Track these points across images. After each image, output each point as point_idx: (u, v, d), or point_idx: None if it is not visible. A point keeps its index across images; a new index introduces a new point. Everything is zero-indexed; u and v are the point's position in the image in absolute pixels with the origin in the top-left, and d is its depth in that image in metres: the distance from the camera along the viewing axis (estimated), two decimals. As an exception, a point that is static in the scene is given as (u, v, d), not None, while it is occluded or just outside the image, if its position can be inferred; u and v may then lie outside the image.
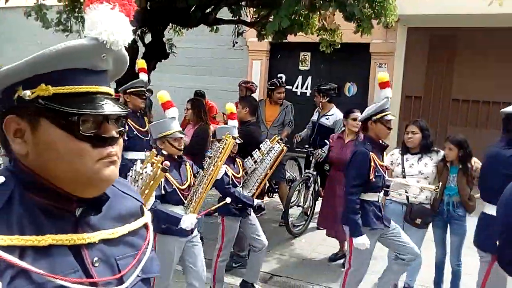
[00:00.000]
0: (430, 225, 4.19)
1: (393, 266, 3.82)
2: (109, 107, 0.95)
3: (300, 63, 11.01)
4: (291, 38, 7.09)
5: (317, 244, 5.62)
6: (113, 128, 0.96)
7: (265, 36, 6.96)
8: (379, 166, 3.63)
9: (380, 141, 3.73)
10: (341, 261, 5.09)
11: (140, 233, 1.11)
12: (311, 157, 5.96)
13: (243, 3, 6.87)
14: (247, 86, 6.72)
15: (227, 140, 3.74)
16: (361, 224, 3.51)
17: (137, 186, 2.76)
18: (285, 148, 4.70)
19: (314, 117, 6.26)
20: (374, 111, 3.63)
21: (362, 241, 3.50)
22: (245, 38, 9.64)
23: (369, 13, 6.01)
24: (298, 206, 6.22)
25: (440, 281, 4.31)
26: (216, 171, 3.55)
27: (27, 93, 0.91)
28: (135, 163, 2.97)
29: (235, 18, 7.23)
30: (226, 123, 6.97)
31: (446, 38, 9.48)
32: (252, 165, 4.47)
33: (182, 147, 3.47)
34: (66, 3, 7.30)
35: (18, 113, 0.93)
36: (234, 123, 4.18)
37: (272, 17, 5.82)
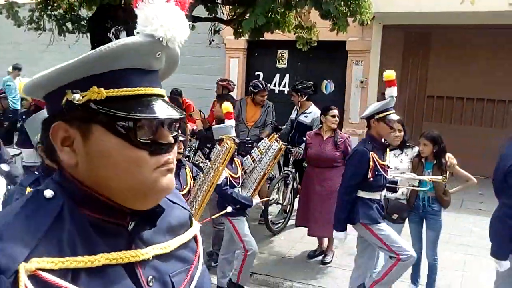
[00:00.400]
0: (407, 220, 4.24)
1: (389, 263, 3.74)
2: (166, 111, 0.87)
3: (277, 61, 11.02)
4: (268, 36, 7.09)
5: (296, 241, 5.64)
6: (169, 134, 0.88)
7: (241, 34, 6.93)
8: (379, 166, 3.60)
9: (383, 140, 3.72)
10: (320, 258, 5.12)
11: (190, 246, 1.03)
12: (289, 154, 5.97)
13: (219, 0, 6.83)
14: (224, 85, 6.70)
15: (227, 143, 3.66)
16: (344, 220, 3.65)
17: None
18: (283, 146, 4.61)
19: (293, 115, 6.26)
20: (378, 109, 3.63)
21: (341, 236, 3.65)
22: (222, 36, 9.59)
23: (344, 11, 6.05)
24: (277, 203, 6.23)
25: (417, 276, 4.36)
26: (217, 177, 3.47)
27: (77, 96, 0.82)
28: None
29: (211, 16, 7.18)
30: (203, 121, 6.95)
31: (421, 35, 9.61)
32: (251, 164, 4.38)
33: (182, 150, 3.33)
34: (39, 0, 7.17)
35: (66, 119, 0.84)
36: (231, 122, 4.09)
37: (248, 14, 5.80)
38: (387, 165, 3.76)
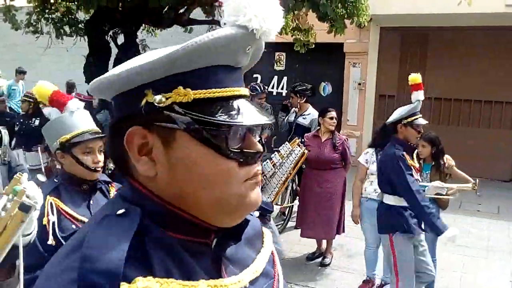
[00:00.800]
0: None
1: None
2: (255, 115, 0.76)
3: (275, 63, 11.03)
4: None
5: (295, 243, 5.63)
6: (256, 141, 0.78)
7: (239, 36, 6.94)
8: (414, 169, 3.50)
9: (410, 144, 3.63)
10: (318, 260, 5.11)
11: (268, 258, 0.90)
12: None
13: (217, 3, 6.84)
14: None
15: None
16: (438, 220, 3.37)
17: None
18: (306, 151, 4.39)
19: (292, 117, 6.27)
20: (405, 114, 3.57)
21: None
22: (219, 38, 9.61)
23: (342, 13, 6.06)
24: (276, 205, 6.20)
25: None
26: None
27: (160, 98, 0.70)
28: None
29: (209, 19, 7.19)
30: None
31: (418, 37, 9.64)
32: (271, 168, 4.17)
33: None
34: (36, 4, 7.16)
35: (144, 124, 0.72)
36: None
37: (245, 17, 5.81)
38: (418, 168, 3.65)
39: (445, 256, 4.87)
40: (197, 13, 7.07)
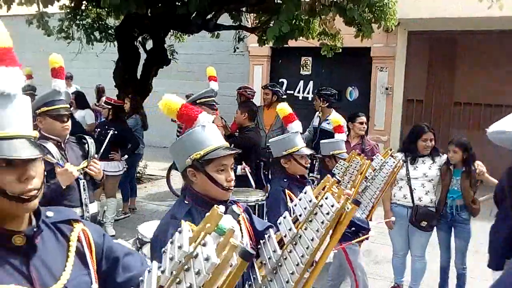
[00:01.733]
0: (435, 228, 4.17)
1: None
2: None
3: (301, 68, 11.02)
4: (292, 43, 7.11)
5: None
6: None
7: (266, 42, 6.97)
8: None
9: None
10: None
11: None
12: (314, 160, 5.95)
13: (244, 9, 6.89)
14: (240, 92, 6.70)
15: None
16: None
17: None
18: (401, 162, 4.05)
19: (315, 122, 6.25)
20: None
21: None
22: (246, 43, 9.67)
23: (369, 18, 6.03)
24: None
25: (445, 285, 4.29)
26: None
27: None
28: None
29: (236, 24, 7.25)
30: (225, 127, 6.96)
31: (446, 41, 9.48)
32: (363, 182, 3.82)
33: (309, 165, 3.05)
34: (68, 10, 7.35)
35: None
36: (341, 136, 3.97)
37: (272, 22, 5.84)
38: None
39: (476, 265, 4.76)
40: (224, 19, 7.13)
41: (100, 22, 7.85)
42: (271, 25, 5.98)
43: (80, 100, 7.08)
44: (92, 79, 10.68)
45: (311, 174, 6.07)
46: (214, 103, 4.59)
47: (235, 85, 9.80)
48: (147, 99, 7.57)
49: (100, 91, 9.83)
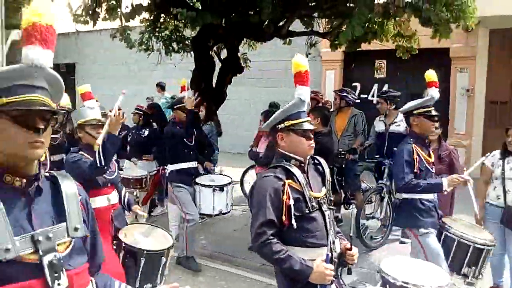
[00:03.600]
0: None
1: None
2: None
3: (375, 71, 10.80)
4: (365, 46, 7.00)
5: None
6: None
7: (338, 46, 6.93)
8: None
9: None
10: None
11: None
12: (382, 167, 5.81)
13: (315, 14, 6.90)
14: (313, 97, 6.68)
15: None
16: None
17: None
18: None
19: (380, 127, 6.08)
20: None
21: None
22: (318, 48, 9.65)
23: (446, 17, 5.79)
24: (373, 218, 5.99)
25: None
26: None
27: None
28: None
29: (308, 30, 7.27)
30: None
31: (533, 38, 8.88)
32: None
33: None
34: (148, 23, 7.75)
35: None
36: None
37: (345, 26, 5.80)
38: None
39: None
40: (296, 25, 7.18)
41: (178, 34, 8.20)
42: (343, 29, 5.94)
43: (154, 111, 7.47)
44: (170, 88, 11.16)
45: (380, 181, 5.92)
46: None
47: (308, 90, 9.82)
48: (221, 107, 7.80)
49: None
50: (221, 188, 5.16)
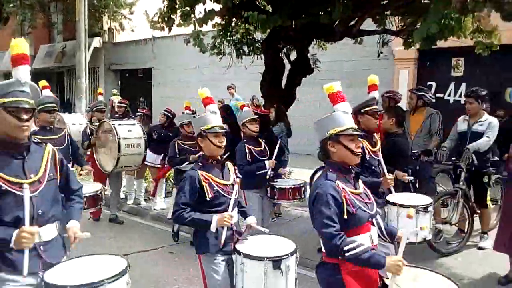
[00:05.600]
0: None
1: None
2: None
3: (452, 69, 10.34)
4: (441, 44, 6.71)
5: (475, 263, 5.17)
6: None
7: (412, 44, 6.71)
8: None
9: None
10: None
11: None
12: (458, 170, 5.53)
13: (388, 12, 6.72)
14: (391, 96, 6.50)
15: None
16: None
17: None
18: None
19: (463, 126, 5.75)
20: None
21: None
22: (390, 47, 9.40)
23: (532, 10, 5.43)
24: (445, 223, 5.67)
25: None
26: None
27: None
28: None
29: (380, 28, 7.11)
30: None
31: None
32: None
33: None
34: (220, 28, 7.96)
35: None
36: None
37: (419, 24, 5.60)
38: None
39: None
40: (367, 24, 7.04)
41: (248, 37, 8.34)
42: (417, 26, 5.75)
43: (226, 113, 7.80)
44: (241, 90, 11.37)
45: (456, 185, 5.62)
46: (377, 111, 4.44)
47: (380, 90, 9.60)
48: (291, 108, 7.82)
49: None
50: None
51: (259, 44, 8.22)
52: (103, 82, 19.05)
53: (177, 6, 7.18)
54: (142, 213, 7.76)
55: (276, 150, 5.37)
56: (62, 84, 20.55)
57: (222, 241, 3.09)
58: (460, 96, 10.24)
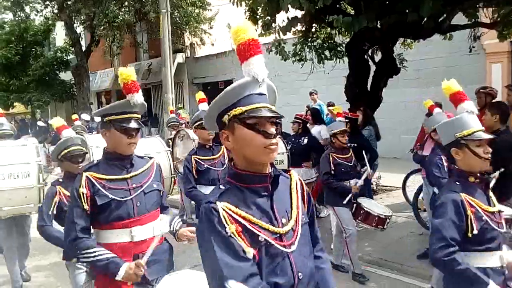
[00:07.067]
0: None
1: None
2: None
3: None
4: (540, 34, 6.25)
5: None
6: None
7: (508, 36, 6.30)
8: None
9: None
10: None
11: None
12: None
13: (480, 4, 6.36)
14: (487, 92, 6.11)
15: None
16: None
17: None
18: None
19: None
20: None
21: None
22: (480, 41, 8.87)
23: None
24: None
25: None
26: None
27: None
28: None
29: (471, 22, 6.74)
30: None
31: None
32: None
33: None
34: (301, 34, 7.96)
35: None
36: None
37: (516, 13, 5.25)
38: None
39: None
40: (456, 18, 6.71)
41: (330, 41, 8.27)
42: (514, 16, 5.39)
43: (316, 116, 7.73)
44: (321, 96, 11.27)
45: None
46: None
47: (469, 87, 9.07)
48: (377, 110, 7.63)
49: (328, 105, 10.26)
50: None
51: (342, 47, 8.12)
52: (187, 96, 19.76)
53: (258, 16, 7.30)
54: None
55: (366, 159, 5.20)
56: (150, 100, 21.58)
57: None
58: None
